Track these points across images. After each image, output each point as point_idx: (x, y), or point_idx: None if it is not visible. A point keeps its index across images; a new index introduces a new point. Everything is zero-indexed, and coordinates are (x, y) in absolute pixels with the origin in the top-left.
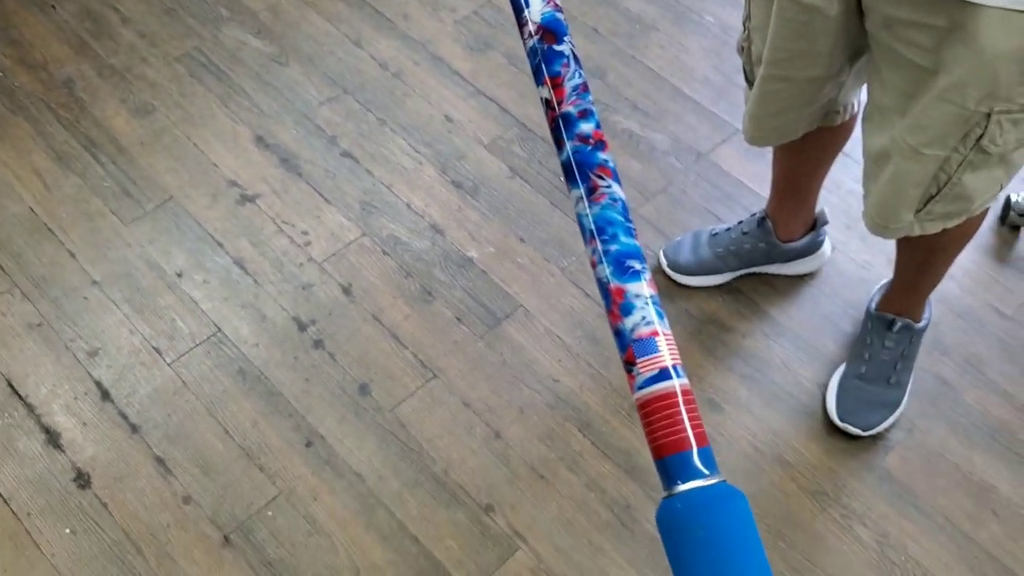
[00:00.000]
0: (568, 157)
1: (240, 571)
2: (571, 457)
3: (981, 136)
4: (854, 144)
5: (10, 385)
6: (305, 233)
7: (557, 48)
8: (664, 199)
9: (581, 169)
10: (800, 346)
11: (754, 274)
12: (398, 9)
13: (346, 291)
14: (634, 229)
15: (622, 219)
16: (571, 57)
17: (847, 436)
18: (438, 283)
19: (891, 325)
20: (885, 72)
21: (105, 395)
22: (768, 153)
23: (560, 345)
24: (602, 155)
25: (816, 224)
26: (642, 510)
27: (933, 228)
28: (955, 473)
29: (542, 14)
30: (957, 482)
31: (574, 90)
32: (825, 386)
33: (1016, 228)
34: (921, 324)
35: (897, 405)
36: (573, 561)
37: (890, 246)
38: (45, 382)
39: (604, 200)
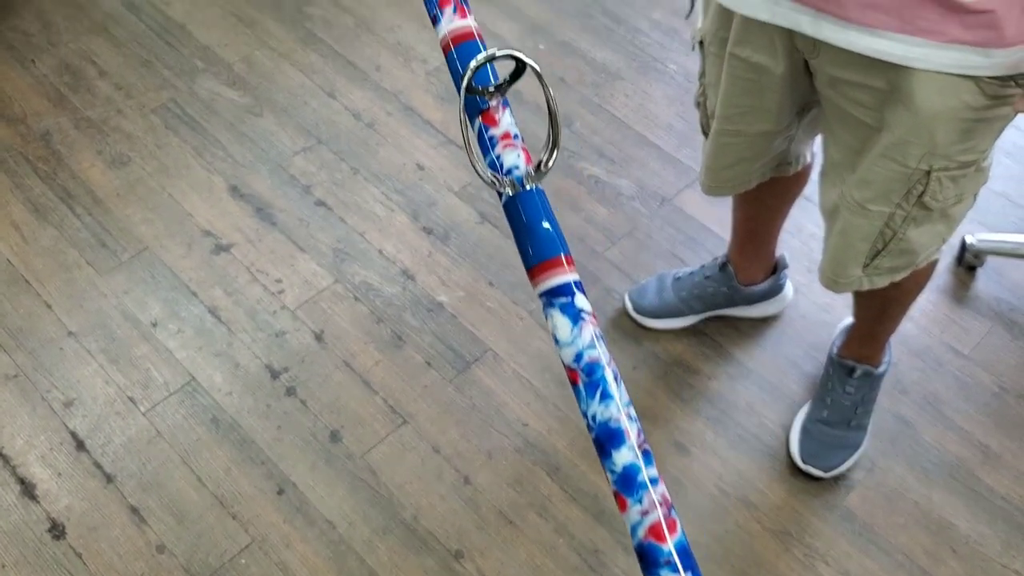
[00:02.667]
0: None
1: None
2: (540, 502)
3: (923, 193)
4: (815, 188)
5: None
6: (279, 281)
7: None
8: (629, 243)
9: None
10: (764, 388)
11: (718, 317)
12: (371, 61)
13: (318, 338)
14: None
15: None
16: None
17: (810, 477)
18: (409, 328)
19: (852, 372)
20: (836, 128)
21: (80, 445)
22: (730, 198)
23: (528, 388)
24: None
25: (777, 268)
26: (610, 555)
27: (881, 282)
28: (914, 511)
29: None
30: (916, 520)
31: None
32: (788, 428)
33: (972, 269)
34: (881, 369)
35: (858, 446)
36: None
37: None
38: (21, 433)
39: None
